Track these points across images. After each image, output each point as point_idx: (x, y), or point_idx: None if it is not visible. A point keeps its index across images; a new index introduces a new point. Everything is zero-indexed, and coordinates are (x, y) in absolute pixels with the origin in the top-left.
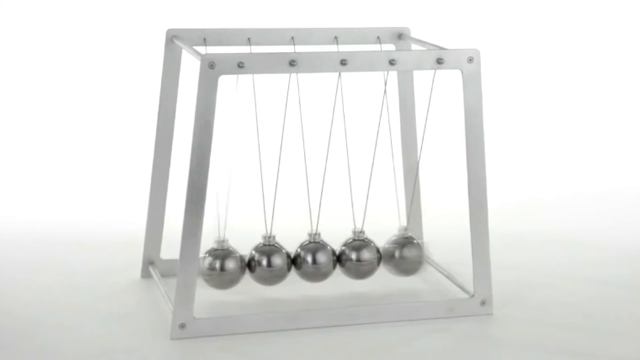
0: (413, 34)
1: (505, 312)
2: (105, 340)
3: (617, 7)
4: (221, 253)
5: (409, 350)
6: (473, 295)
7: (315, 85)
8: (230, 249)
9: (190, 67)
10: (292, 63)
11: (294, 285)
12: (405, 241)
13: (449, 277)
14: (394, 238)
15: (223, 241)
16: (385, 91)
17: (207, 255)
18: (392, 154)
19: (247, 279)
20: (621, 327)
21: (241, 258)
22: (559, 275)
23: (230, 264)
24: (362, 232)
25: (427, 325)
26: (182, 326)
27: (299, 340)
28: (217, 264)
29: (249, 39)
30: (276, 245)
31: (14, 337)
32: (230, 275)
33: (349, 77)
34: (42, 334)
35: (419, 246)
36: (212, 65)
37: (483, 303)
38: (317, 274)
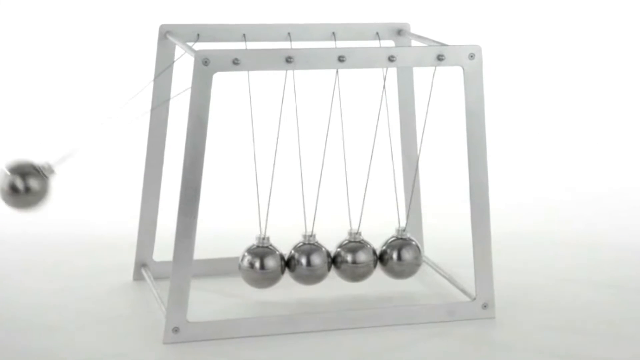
0: (413, 30)
1: (507, 316)
2: (96, 345)
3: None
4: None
5: (408, 355)
6: (474, 298)
7: (312, 82)
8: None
9: (184, 64)
10: (289, 60)
11: (288, 288)
12: (403, 243)
13: (449, 279)
14: (391, 239)
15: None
16: (384, 89)
17: None
18: (391, 153)
19: (239, 281)
20: (627, 331)
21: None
22: (562, 277)
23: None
24: (358, 233)
25: (427, 330)
26: (176, 330)
27: (294, 344)
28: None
29: (244, 34)
30: (270, 247)
31: (1, 340)
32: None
33: (347, 74)
34: (31, 337)
35: (416, 248)
36: (206, 62)
37: (485, 306)
38: (311, 277)
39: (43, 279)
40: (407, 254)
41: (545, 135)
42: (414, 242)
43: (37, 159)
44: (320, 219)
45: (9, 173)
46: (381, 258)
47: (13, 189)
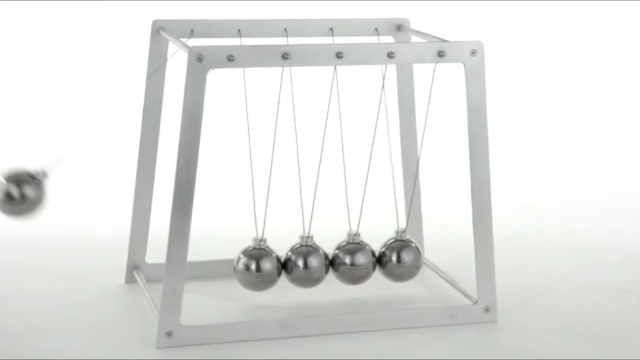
0: (413, 26)
1: (510, 319)
2: (87, 349)
3: None
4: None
5: None
6: (476, 302)
7: (309, 79)
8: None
9: (177, 60)
10: (285, 56)
11: (285, 291)
12: (402, 244)
13: (450, 282)
14: (390, 241)
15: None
16: (383, 86)
17: None
18: (391, 152)
19: (234, 284)
20: (633, 336)
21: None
22: (566, 280)
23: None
24: (357, 234)
25: (427, 334)
26: (169, 334)
27: (290, 349)
28: None
29: (239, 30)
30: (266, 249)
31: None
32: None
33: (345, 71)
34: (20, 341)
35: (416, 250)
36: (200, 59)
37: (487, 310)
38: (308, 279)
39: (33, 282)
40: (406, 256)
41: (549, 134)
42: (413, 244)
43: (32, 165)
44: (318, 220)
45: (4, 181)
46: (380, 260)
47: (9, 197)
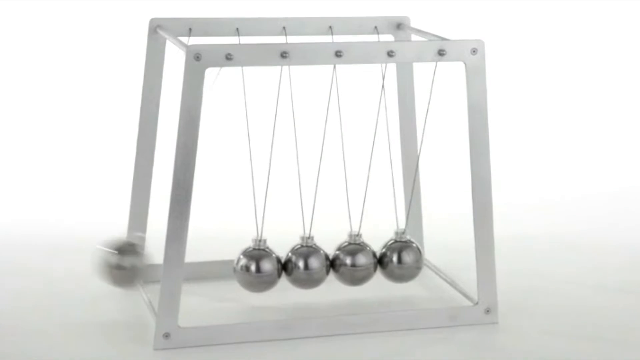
0: (413, 24)
1: (511, 321)
2: (83, 351)
3: None
4: None
5: None
6: (477, 303)
7: (308, 78)
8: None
9: (175, 59)
10: (284, 55)
11: (284, 292)
12: (403, 245)
13: (451, 283)
14: (391, 242)
15: None
16: (383, 85)
17: None
18: (390, 152)
19: (233, 285)
20: (635, 337)
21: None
22: (568, 281)
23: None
24: (358, 235)
25: (428, 335)
26: (167, 336)
27: (290, 351)
28: None
29: (237, 29)
30: (266, 249)
31: None
32: None
33: (345, 70)
34: (15, 342)
35: (417, 250)
36: (198, 57)
37: (488, 311)
38: (309, 280)
39: (29, 282)
40: (407, 257)
41: (550, 133)
42: (414, 245)
43: (128, 234)
44: (319, 220)
45: (113, 251)
46: (380, 261)
47: (119, 267)
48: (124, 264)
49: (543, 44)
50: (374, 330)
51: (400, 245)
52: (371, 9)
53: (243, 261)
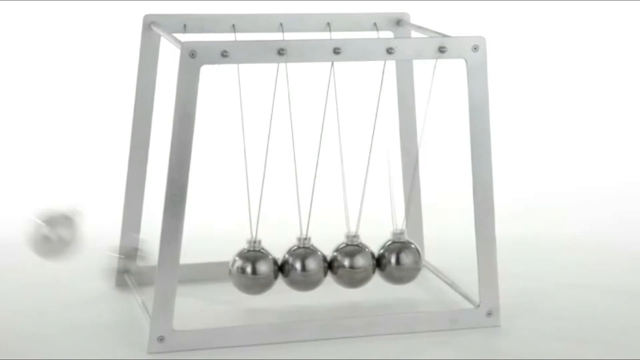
0: (413, 20)
1: (513, 324)
2: (77, 354)
3: None
4: None
5: None
6: (479, 306)
7: (306, 76)
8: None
9: (169, 56)
10: (281, 52)
11: (281, 294)
12: (401, 246)
13: (451, 285)
14: (389, 243)
15: None
16: (382, 83)
17: None
18: (390, 151)
19: (228, 287)
20: (637, 340)
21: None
22: (571, 283)
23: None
24: (356, 236)
25: (428, 339)
26: (161, 339)
27: (287, 354)
28: None
29: (233, 25)
30: (262, 251)
31: None
32: None
33: (343, 68)
34: (8, 345)
35: (416, 251)
36: (193, 54)
37: (489, 314)
38: (306, 282)
39: (21, 285)
40: (406, 258)
41: (553, 133)
42: (413, 246)
43: (65, 205)
44: (316, 221)
45: (42, 223)
46: (379, 262)
47: (45, 239)
48: (52, 235)
49: (545, 40)
50: (372, 333)
51: (398, 246)
52: (370, 5)
53: (239, 263)
